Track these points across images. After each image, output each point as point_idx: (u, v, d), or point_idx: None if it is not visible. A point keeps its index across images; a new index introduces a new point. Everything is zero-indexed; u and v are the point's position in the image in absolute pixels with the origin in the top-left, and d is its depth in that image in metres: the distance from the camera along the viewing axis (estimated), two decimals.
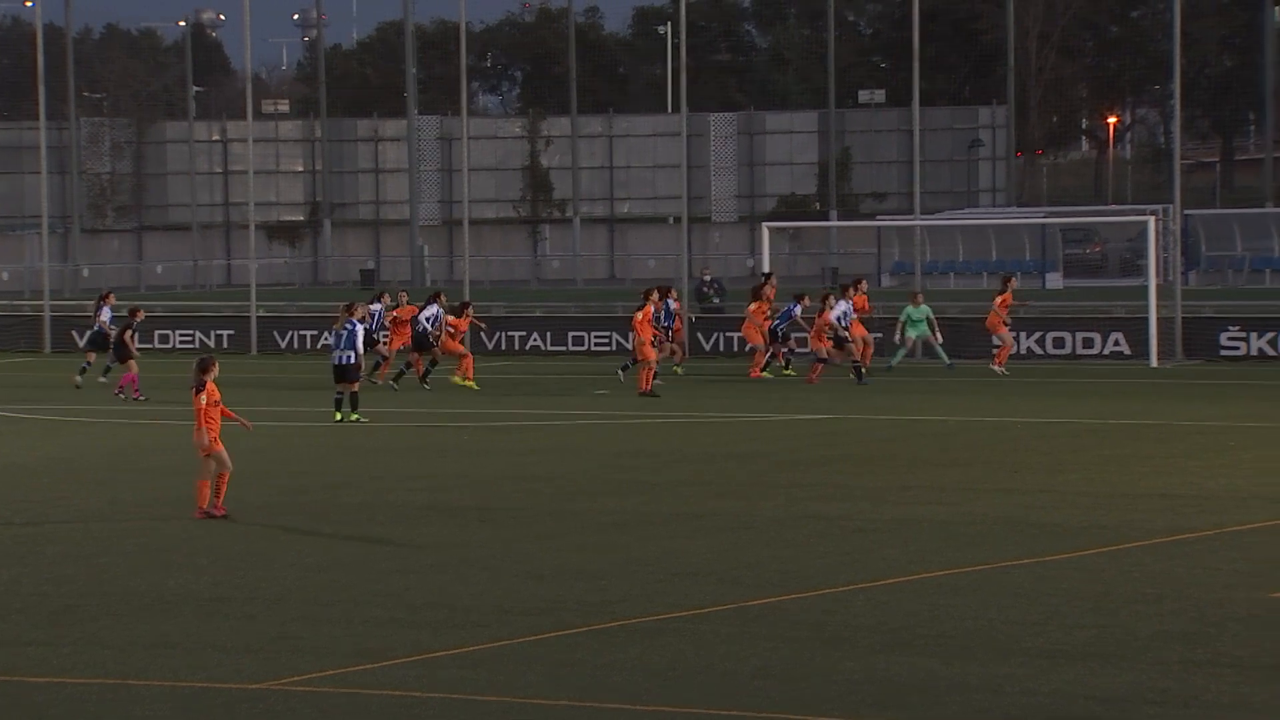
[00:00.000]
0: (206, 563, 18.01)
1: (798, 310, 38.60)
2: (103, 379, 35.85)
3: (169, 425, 30.46)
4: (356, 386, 29.97)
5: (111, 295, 38.43)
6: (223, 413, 20.49)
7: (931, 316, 38.79)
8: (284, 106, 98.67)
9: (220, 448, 20.37)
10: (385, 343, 37.61)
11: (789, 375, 38.42)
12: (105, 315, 36.81)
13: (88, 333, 37.75)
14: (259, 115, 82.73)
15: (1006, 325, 38.76)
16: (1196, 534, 18.61)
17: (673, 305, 38.16)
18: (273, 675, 13.35)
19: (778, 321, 38.77)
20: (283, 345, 46.69)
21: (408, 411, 32.22)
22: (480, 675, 13.38)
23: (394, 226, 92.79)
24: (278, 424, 29.72)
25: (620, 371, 36.36)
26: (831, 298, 37.56)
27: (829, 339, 36.75)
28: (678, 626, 14.74)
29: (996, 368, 38.03)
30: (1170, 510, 20.19)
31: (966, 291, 62.12)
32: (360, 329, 30.28)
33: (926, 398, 33.98)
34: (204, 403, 20.26)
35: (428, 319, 36.37)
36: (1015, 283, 40.85)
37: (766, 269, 42.76)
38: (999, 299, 38.82)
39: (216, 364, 20.74)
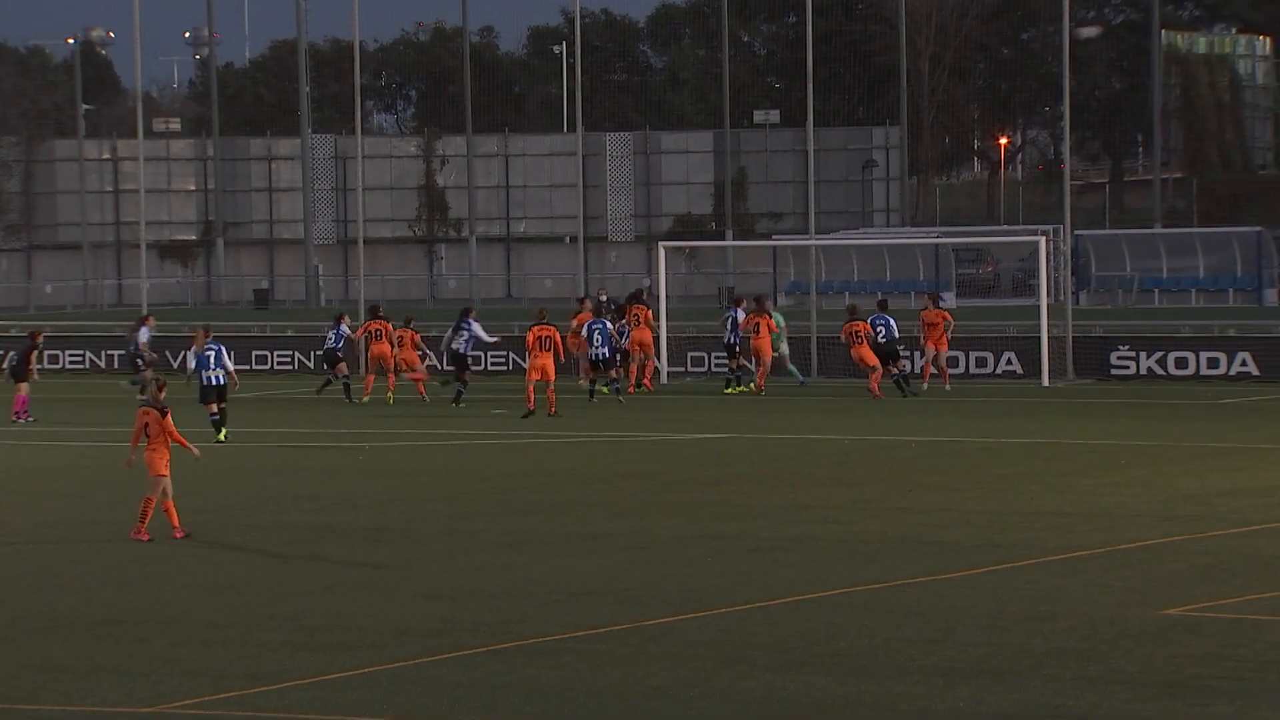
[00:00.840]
0: (98, 585, 17.80)
1: (739, 314, 38.83)
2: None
3: (59, 446, 30.09)
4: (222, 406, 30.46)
5: (151, 318, 39.42)
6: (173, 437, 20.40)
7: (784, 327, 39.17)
8: (175, 125, 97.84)
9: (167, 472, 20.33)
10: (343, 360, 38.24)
11: (741, 392, 38.24)
12: (144, 336, 37.96)
13: (127, 353, 38.53)
14: (150, 134, 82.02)
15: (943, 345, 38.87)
16: (1089, 551, 18.80)
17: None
18: (165, 698, 13.21)
19: (729, 332, 38.69)
20: (174, 365, 46.24)
21: (304, 431, 32.00)
22: (376, 697, 13.30)
23: (288, 246, 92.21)
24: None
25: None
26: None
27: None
28: (574, 646, 14.72)
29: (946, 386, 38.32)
30: (1063, 528, 20.38)
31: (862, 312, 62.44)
32: (223, 349, 31.06)
33: (823, 417, 34.12)
34: (173, 424, 20.28)
35: (337, 338, 37.69)
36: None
37: (661, 288, 42.87)
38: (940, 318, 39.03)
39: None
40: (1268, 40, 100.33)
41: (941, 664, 14.03)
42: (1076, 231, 63.00)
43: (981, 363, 41.66)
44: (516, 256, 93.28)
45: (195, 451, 20.68)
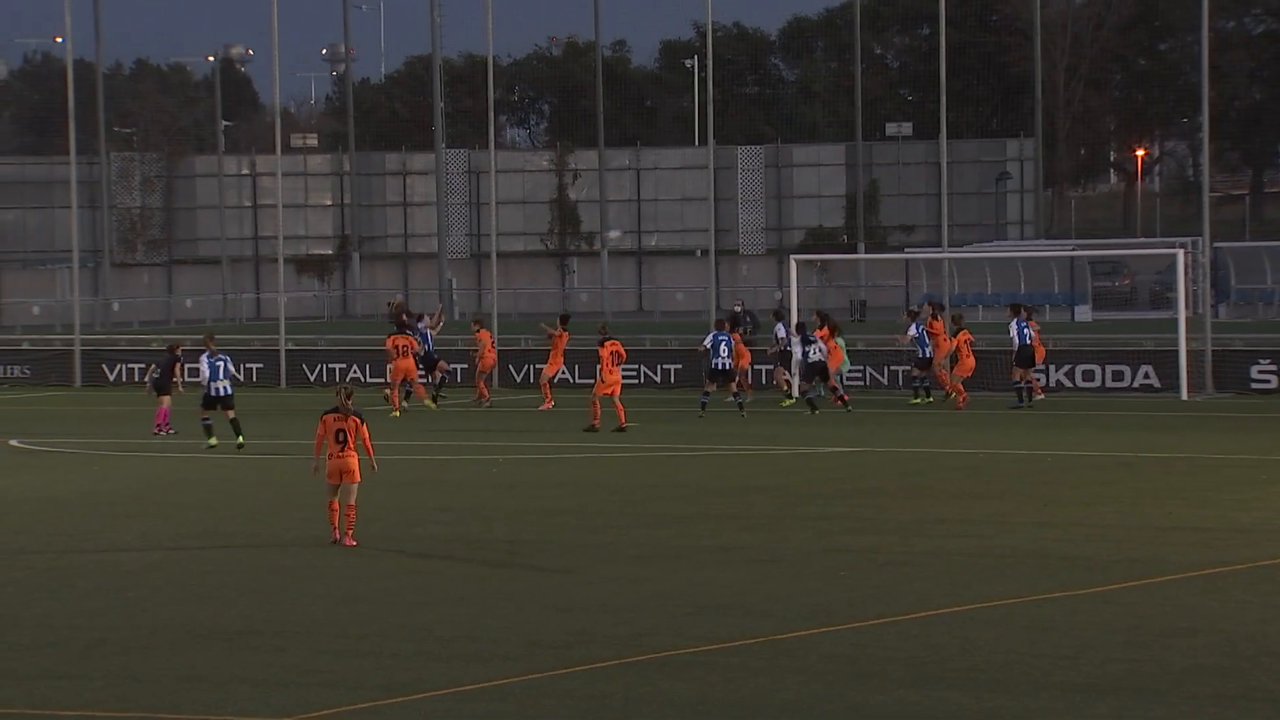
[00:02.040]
0: (236, 595, 18.01)
1: (781, 331, 38.98)
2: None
3: (200, 459, 30.53)
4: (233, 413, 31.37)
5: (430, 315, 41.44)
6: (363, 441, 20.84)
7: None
8: (312, 140, 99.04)
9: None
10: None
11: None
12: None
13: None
14: (288, 149, 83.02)
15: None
16: (1229, 568, 18.52)
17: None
18: (303, 709, 13.33)
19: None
20: (311, 378, 46.76)
21: (437, 444, 32.25)
22: (510, 708, 13.35)
23: (422, 259, 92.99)
24: (300, 458, 29.71)
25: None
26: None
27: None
28: (707, 660, 14.70)
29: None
30: (1202, 544, 20.10)
31: (994, 324, 62.10)
32: (229, 360, 32.11)
33: (954, 430, 33.89)
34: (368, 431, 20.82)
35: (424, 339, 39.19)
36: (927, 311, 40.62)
37: (792, 302, 42.75)
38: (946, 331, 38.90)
39: None
40: None
41: (1078, 680, 13.86)
42: (1215, 243, 62.02)
43: (1118, 376, 41.21)
44: (648, 269, 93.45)
45: (375, 466, 21.06)
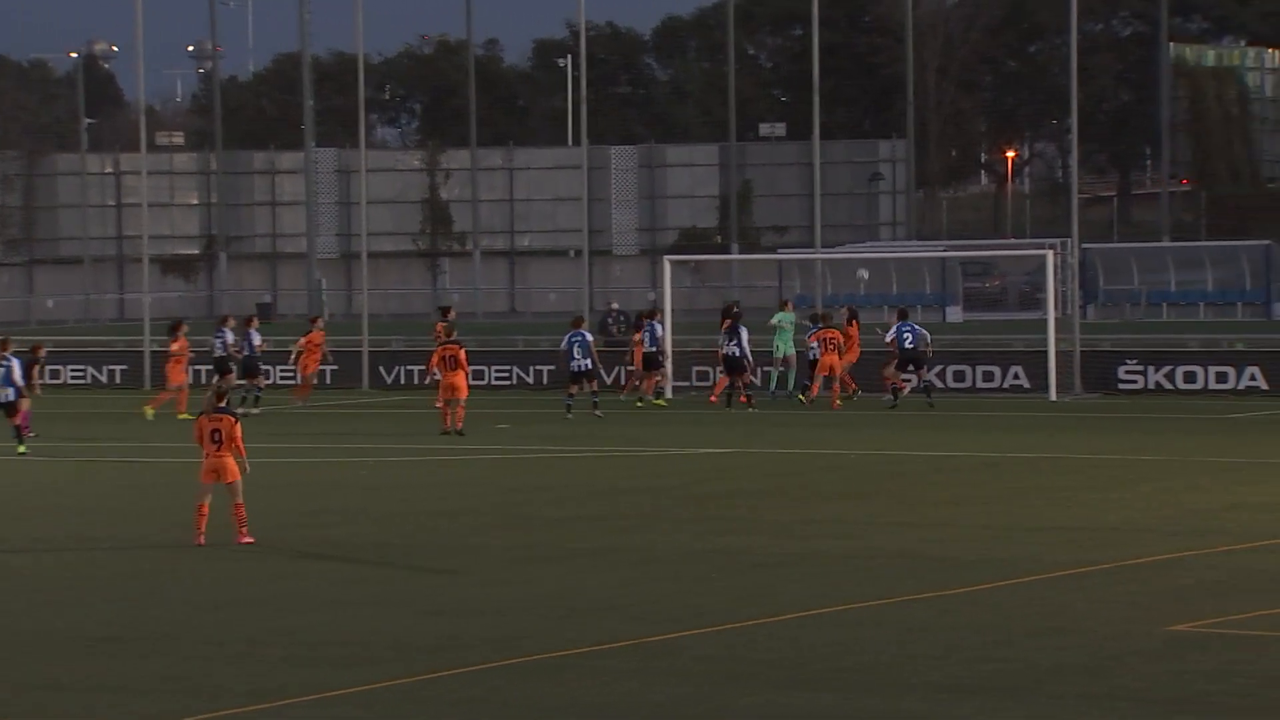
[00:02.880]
0: (97, 601, 17.80)
1: (659, 330, 39.14)
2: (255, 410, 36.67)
3: (59, 462, 30.12)
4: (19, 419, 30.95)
5: (231, 318, 40.15)
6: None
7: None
8: (178, 139, 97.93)
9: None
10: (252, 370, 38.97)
11: (660, 406, 38.65)
12: (229, 337, 38.66)
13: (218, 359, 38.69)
14: (153, 147, 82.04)
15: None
16: (1095, 567, 18.78)
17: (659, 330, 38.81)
18: (166, 717, 13.20)
19: (650, 346, 39.15)
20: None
21: (304, 446, 32.02)
22: (376, 715, 13.30)
23: (291, 260, 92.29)
24: (162, 461, 29.42)
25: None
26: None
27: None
28: (578, 663, 14.71)
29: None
30: (1069, 543, 20.37)
31: (867, 325, 62.48)
32: (15, 364, 31.26)
33: (827, 431, 34.13)
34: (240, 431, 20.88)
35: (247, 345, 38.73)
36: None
37: (666, 303, 42.93)
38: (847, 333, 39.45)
39: None
40: (1276, 53, 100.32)
41: (946, 680, 14.02)
42: (1084, 245, 62.87)
43: (988, 377, 41.65)
44: (521, 270, 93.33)
45: (247, 467, 21.05)
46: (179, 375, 37.77)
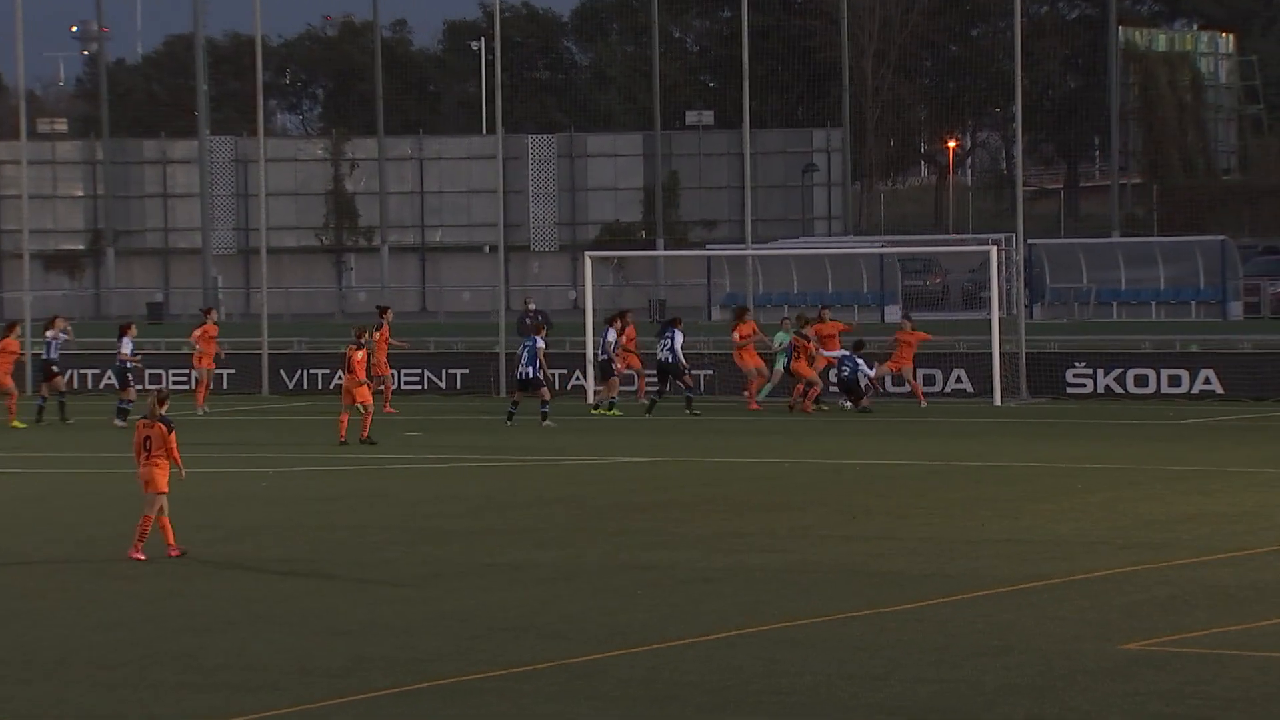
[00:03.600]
0: None
1: (611, 336, 39.17)
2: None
3: None
4: None
5: (133, 326, 39.72)
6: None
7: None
8: (61, 126, 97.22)
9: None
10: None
11: (609, 414, 38.82)
12: (127, 348, 38.24)
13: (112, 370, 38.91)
14: (34, 135, 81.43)
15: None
16: (1044, 582, 18.91)
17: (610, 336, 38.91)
18: None
19: (602, 355, 39.34)
20: (62, 385, 45.88)
21: (203, 455, 31.83)
22: None
23: (185, 256, 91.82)
24: (57, 471, 29.18)
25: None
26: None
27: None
28: (495, 686, 14.69)
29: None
30: (1016, 557, 20.51)
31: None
32: None
33: (760, 438, 34.23)
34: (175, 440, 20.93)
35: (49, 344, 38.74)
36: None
37: (587, 302, 42.97)
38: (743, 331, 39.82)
39: None
40: (1231, 37, 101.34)
41: (887, 701, 14.08)
42: (1030, 240, 63.34)
43: (929, 380, 41.86)
44: (432, 267, 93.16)
45: (182, 475, 21.11)
46: (5, 379, 37.58)
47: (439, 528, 23.44)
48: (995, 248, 45.37)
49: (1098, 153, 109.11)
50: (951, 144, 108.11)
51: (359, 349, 33.50)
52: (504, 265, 50.77)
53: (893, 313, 73.78)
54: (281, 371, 45.71)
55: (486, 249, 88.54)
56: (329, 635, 16.79)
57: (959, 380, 41.72)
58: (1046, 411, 39.27)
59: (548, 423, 35.89)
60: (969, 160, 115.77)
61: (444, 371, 44.88)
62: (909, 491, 26.26)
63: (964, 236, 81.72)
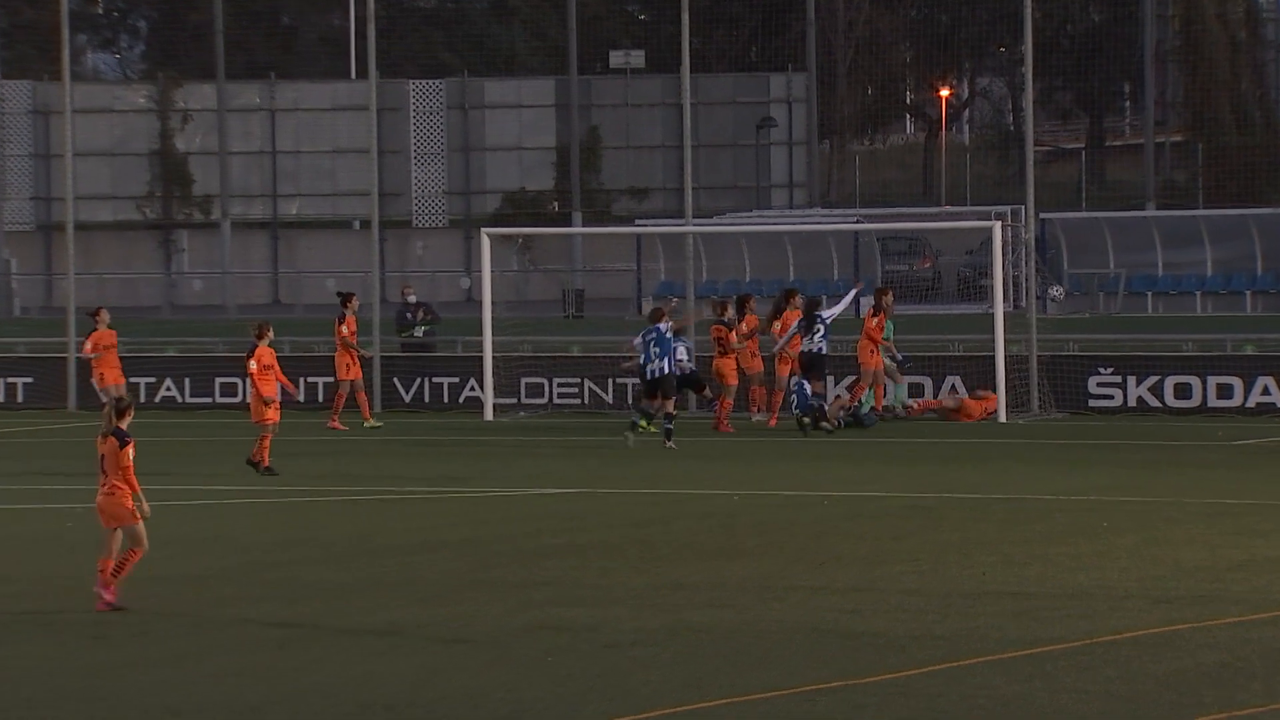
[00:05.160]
0: None
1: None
2: None
3: None
4: None
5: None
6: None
7: None
8: None
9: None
10: None
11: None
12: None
13: None
14: None
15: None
16: (1060, 646, 19.02)
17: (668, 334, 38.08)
18: None
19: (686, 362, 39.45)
20: None
21: None
22: None
23: None
24: None
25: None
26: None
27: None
28: None
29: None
30: (1026, 614, 20.61)
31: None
32: None
33: (707, 464, 34.29)
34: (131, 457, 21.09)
35: None
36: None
37: (485, 291, 42.98)
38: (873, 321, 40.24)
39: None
40: None
41: None
42: (1043, 214, 63.73)
43: (917, 391, 42.02)
44: (287, 248, 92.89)
45: (146, 509, 21.20)
46: None
47: (295, 579, 23.40)
48: (999, 224, 45.56)
49: (1128, 104, 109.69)
50: (944, 93, 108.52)
51: (252, 356, 33.30)
52: (378, 246, 50.64)
53: (867, 303, 74.14)
54: (92, 380, 45.43)
55: (356, 225, 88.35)
56: (159, 713, 16.75)
57: (954, 390, 41.89)
58: (1063, 430, 39.44)
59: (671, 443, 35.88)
60: (966, 114, 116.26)
61: (302, 380, 44.65)
62: (891, 532, 26.35)
63: (960, 210, 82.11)
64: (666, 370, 36.40)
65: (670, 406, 36.42)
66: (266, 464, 32.71)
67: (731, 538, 26.10)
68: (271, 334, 34.28)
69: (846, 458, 35.11)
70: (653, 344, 36.34)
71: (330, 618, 21.10)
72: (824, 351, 39.07)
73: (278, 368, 33.54)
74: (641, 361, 36.48)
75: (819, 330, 38.96)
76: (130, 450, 21.05)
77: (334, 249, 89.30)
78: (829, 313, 40.01)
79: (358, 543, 26.18)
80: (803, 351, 38.87)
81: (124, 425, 21.14)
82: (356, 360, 40.48)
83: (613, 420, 40.32)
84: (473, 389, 43.36)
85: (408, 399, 44.16)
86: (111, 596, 21.12)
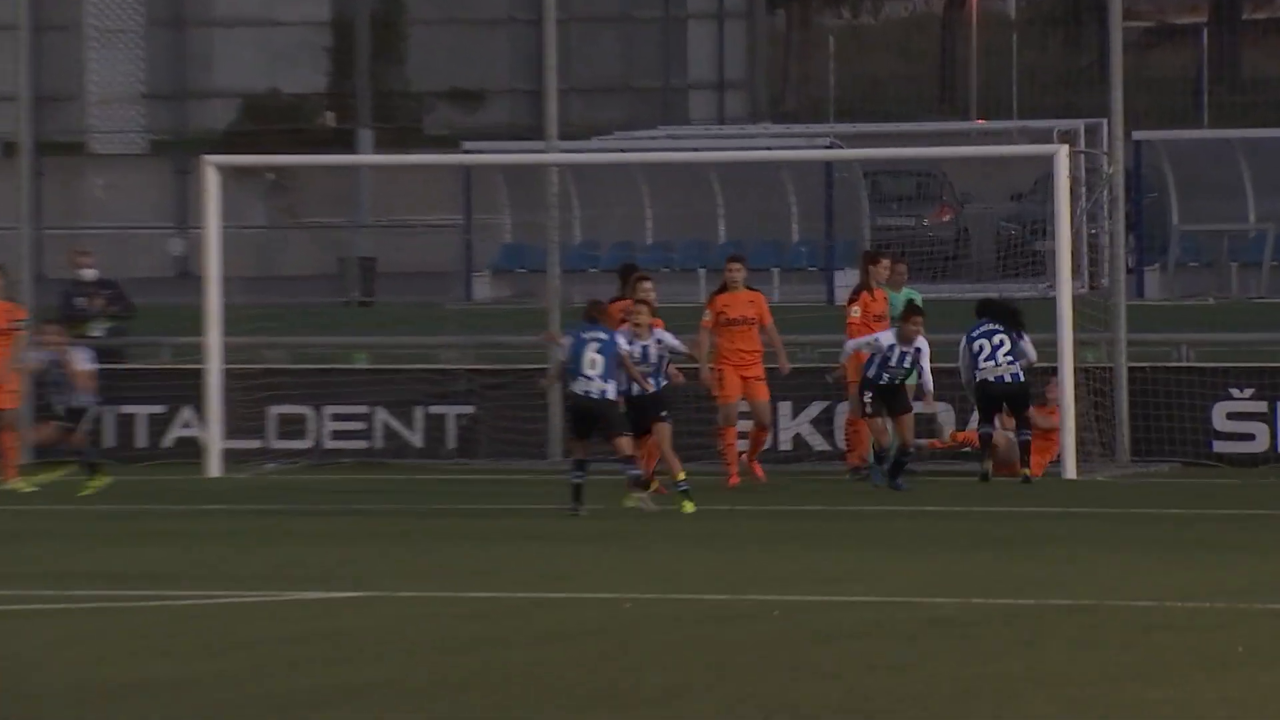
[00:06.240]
0: None
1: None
2: None
3: None
4: None
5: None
6: None
7: None
8: None
9: None
10: None
11: None
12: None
13: None
14: None
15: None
16: None
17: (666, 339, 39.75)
18: None
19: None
20: None
21: None
22: None
23: None
24: None
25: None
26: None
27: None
28: None
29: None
30: None
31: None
32: None
33: (576, 547, 34.44)
34: None
35: None
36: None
37: (212, 262, 43.05)
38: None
39: None
40: None
41: None
42: (1138, 134, 64.04)
43: (930, 428, 42.15)
44: None
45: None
46: None
47: None
48: (1065, 148, 45.75)
49: None
50: None
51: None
52: (29, 184, 50.55)
53: (846, 279, 74.33)
54: None
55: (2, 148, 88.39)
56: None
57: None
58: (1171, 493, 39.87)
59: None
60: None
61: None
62: (895, 662, 26.32)
63: (999, 125, 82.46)
64: (610, 395, 37.33)
65: (627, 447, 37.36)
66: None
67: (613, 672, 25.98)
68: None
69: (814, 538, 35.17)
70: (596, 350, 37.45)
71: None
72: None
73: None
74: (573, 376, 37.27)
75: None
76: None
77: None
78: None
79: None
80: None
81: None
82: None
83: (429, 474, 40.34)
84: (189, 425, 43.38)
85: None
86: None
